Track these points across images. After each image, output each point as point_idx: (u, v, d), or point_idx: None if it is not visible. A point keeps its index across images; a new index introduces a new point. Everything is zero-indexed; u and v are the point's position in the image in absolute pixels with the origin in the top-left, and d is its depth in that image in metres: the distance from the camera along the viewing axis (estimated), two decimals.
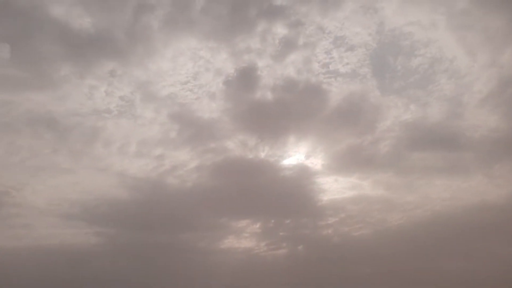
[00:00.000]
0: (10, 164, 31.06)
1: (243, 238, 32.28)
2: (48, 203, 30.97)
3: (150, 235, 31.68)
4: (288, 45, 32.00)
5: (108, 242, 31.13)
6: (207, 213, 32.56)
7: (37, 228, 30.30)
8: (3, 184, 30.23)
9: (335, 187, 32.53)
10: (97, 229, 31.24)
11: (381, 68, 33.12)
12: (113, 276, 29.50)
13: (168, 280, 29.80)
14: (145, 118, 32.85)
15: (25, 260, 29.06)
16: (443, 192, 31.58)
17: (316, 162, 33.11)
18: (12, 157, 30.94)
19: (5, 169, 31.01)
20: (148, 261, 30.61)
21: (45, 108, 31.12)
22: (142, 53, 31.81)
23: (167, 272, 30.21)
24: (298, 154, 33.05)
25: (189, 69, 32.62)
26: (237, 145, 32.89)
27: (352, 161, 32.58)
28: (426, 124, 31.97)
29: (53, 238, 30.41)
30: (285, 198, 32.15)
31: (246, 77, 32.01)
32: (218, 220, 32.77)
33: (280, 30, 32.05)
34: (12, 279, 27.59)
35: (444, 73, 32.03)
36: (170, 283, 29.73)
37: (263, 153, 32.95)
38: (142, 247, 31.07)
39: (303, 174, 32.72)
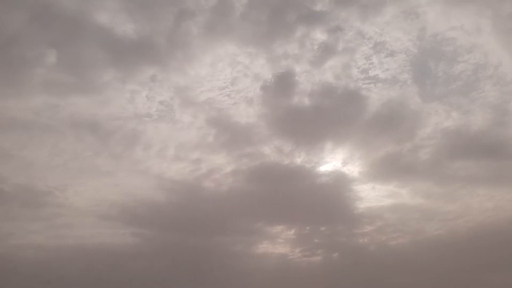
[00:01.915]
0: (54, 166, 32.23)
1: (278, 243, 32.27)
2: (89, 204, 31.83)
3: (186, 237, 32.19)
4: (326, 50, 31.87)
5: (145, 243, 31.74)
6: (242, 218, 32.75)
7: (78, 228, 31.17)
8: (47, 185, 31.32)
9: (372, 195, 32.13)
10: (134, 230, 31.90)
11: (422, 74, 32.58)
12: (149, 276, 29.97)
13: (203, 283, 30.11)
14: (183, 122, 33.43)
15: (67, 259, 29.96)
16: (486, 202, 30.74)
17: (353, 169, 32.76)
18: (55, 159, 32.12)
19: (49, 171, 32.18)
20: (183, 263, 31.00)
21: (88, 112, 32.12)
22: (181, 58, 32.43)
23: (202, 274, 30.46)
24: (335, 161, 32.80)
25: (227, 74, 32.93)
26: (273, 151, 32.93)
27: (390, 168, 32.06)
28: (468, 132, 31.19)
29: (93, 238, 31.25)
30: (321, 205, 31.95)
31: (284, 83, 32.07)
32: (253, 225, 32.86)
33: (319, 35, 32.00)
34: (55, 277, 28.53)
35: (488, 79, 31.19)
36: (204, 284, 30.02)
37: (299, 159, 32.88)
38: (178, 249, 31.59)
39: (340, 181, 32.41)
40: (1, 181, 30.24)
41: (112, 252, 30.81)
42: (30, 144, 31.71)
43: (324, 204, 31.90)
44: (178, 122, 33.37)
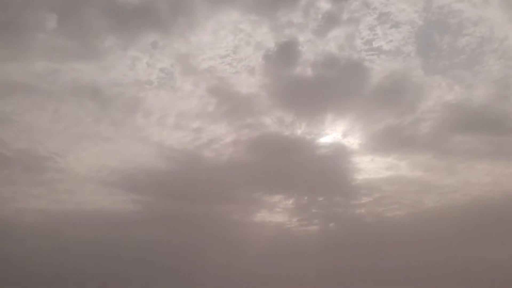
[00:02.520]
0: (55, 131, 32.37)
1: (276, 212, 32.69)
2: (90, 170, 32.25)
3: (185, 205, 32.62)
4: (331, 20, 31.46)
5: (145, 210, 32.23)
6: (241, 187, 33.06)
7: (78, 194, 31.62)
8: (48, 150, 31.55)
9: (371, 167, 32.28)
10: (134, 196, 32.39)
11: (426, 46, 32.27)
12: (149, 242, 30.36)
13: (202, 249, 30.59)
14: (184, 90, 33.39)
15: (68, 224, 30.42)
16: (484, 176, 30.80)
17: (353, 141, 32.87)
18: (57, 124, 32.27)
19: (50, 136, 32.36)
20: (183, 230, 31.55)
21: (89, 78, 32.07)
22: (183, 25, 32.11)
23: (201, 241, 30.96)
24: (335, 133, 32.86)
25: (229, 42, 32.58)
26: (274, 122, 32.97)
27: (390, 141, 32.12)
28: (470, 106, 31.07)
29: (94, 203, 31.75)
30: (320, 176, 32.22)
31: (286, 52, 31.78)
32: (252, 194, 33.16)
33: (324, 4, 31.51)
34: (56, 240, 29.04)
35: (493, 53, 30.83)
36: (203, 251, 30.50)
37: (300, 130, 32.96)
38: (178, 216, 32.04)
39: (339, 152, 32.57)
40: (3, 145, 30.53)
41: (113, 218, 31.26)
42: (32, 109, 31.97)
43: (322, 175, 32.16)
44: (179, 90, 33.40)
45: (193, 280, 29.00)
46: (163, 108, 33.17)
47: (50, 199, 31.11)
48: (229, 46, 32.53)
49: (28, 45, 30.56)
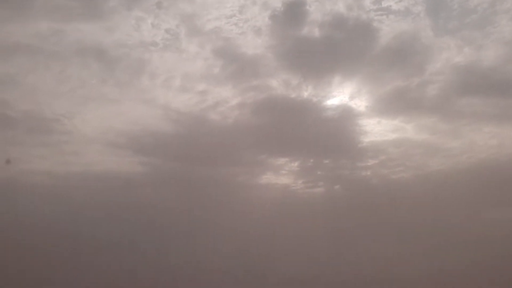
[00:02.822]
0: (60, 93, 32.25)
1: (281, 175, 32.92)
2: (96, 131, 32.31)
3: (191, 167, 32.84)
4: None
5: (151, 172, 32.54)
6: (247, 150, 33.12)
7: (85, 155, 31.87)
8: (53, 111, 31.48)
9: (377, 130, 32.17)
10: (141, 158, 32.60)
11: (436, 6, 31.57)
12: (156, 204, 30.72)
13: (207, 211, 30.92)
14: (189, 52, 32.89)
15: (74, 185, 30.72)
16: (490, 139, 30.86)
17: (360, 104, 32.53)
18: (62, 86, 32.09)
19: (56, 98, 32.24)
20: (188, 191, 31.72)
21: (93, 38, 31.62)
22: None
23: (207, 203, 31.21)
24: (342, 95, 32.48)
25: (235, 2, 31.77)
26: (280, 84, 32.67)
27: (397, 103, 31.83)
28: (479, 68, 30.56)
29: (100, 165, 32.04)
30: (326, 139, 32.16)
31: (294, 12, 31.03)
32: (258, 157, 33.27)
33: None
34: (62, 202, 29.28)
35: (505, 13, 30.06)
36: (208, 212, 30.77)
37: (306, 92, 32.64)
38: (184, 178, 32.29)
39: (346, 115, 32.35)
40: (7, 107, 30.43)
41: (119, 180, 31.48)
42: (36, 70, 31.67)
43: (329, 138, 32.11)
44: (184, 52, 32.92)
45: (198, 241, 29.49)
46: (168, 70, 32.95)
47: (56, 161, 31.49)
48: (235, 5, 31.79)
49: (31, 5, 30.14)
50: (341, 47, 31.38)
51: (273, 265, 28.67)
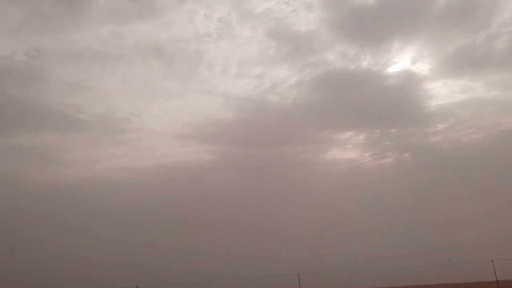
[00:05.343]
0: (127, 93, 34.08)
1: (347, 149, 32.71)
2: (164, 126, 33.97)
3: (256, 150, 33.52)
4: None
5: (219, 159, 33.63)
6: (309, 128, 33.33)
7: (156, 149, 33.61)
8: (123, 111, 33.46)
9: (443, 92, 31.07)
10: (208, 147, 33.77)
11: None
12: (225, 188, 31.77)
13: (275, 191, 31.45)
14: (242, 37, 33.39)
15: (150, 178, 32.50)
16: None
17: (423, 67, 31.57)
18: (127, 86, 33.90)
19: (123, 98, 34.12)
20: (255, 174, 32.53)
21: (151, 37, 32.98)
22: None
23: (274, 183, 31.75)
24: (403, 60, 31.64)
25: None
26: (337, 57, 32.33)
27: (463, 62, 30.46)
28: None
29: (171, 157, 33.56)
30: (390, 107, 31.53)
31: None
32: (321, 134, 33.36)
33: None
34: (140, 194, 31.21)
35: None
36: (277, 194, 31.39)
37: (365, 62, 32.09)
38: (250, 161, 33.09)
39: (409, 81, 31.51)
40: (82, 111, 32.63)
41: (191, 169, 33.04)
42: (102, 74, 33.61)
43: (393, 106, 31.42)
44: (238, 38, 33.42)
45: (270, 222, 30.25)
46: (224, 58, 33.77)
47: (131, 157, 33.40)
48: None
49: (89, 10, 31.70)
50: (398, 11, 30.41)
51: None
